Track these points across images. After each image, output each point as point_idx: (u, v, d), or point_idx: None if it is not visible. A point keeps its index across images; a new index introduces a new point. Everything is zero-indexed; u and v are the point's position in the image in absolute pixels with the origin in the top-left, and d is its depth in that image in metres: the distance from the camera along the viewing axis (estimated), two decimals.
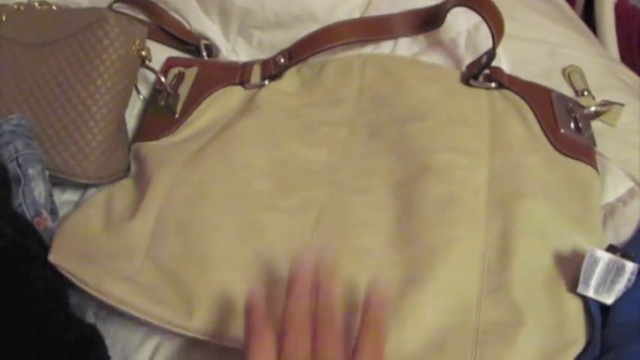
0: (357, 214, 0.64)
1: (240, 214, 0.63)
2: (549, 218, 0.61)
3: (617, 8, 1.03)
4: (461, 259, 0.59)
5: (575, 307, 0.57)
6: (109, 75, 0.71)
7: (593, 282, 0.56)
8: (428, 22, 0.79)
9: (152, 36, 0.81)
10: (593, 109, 0.73)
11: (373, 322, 0.49)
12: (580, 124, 0.70)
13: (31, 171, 0.67)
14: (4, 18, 0.77)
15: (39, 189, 0.66)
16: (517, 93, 0.72)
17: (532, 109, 0.70)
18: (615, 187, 0.68)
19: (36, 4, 0.80)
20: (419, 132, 0.68)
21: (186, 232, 0.62)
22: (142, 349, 0.62)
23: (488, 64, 0.72)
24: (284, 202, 0.65)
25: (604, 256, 0.56)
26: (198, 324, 0.58)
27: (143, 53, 0.74)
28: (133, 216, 0.64)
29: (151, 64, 0.76)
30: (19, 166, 0.67)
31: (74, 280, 0.61)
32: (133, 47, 0.73)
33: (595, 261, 0.56)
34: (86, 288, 0.60)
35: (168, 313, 0.58)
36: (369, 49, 0.80)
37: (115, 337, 0.62)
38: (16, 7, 0.79)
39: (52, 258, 0.61)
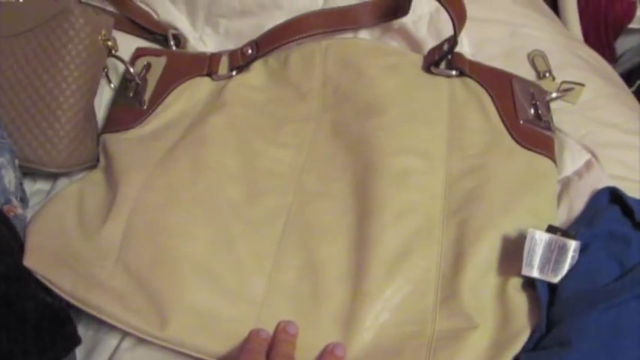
0: (320, 220, 0.66)
1: (210, 223, 0.65)
2: (505, 216, 0.63)
3: None
4: (416, 272, 0.61)
5: (520, 299, 0.59)
6: (75, 65, 0.72)
7: (537, 263, 0.58)
8: (393, 10, 0.80)
9: (120, 27, 0.82)
10: (554, 95, 0.75)
11: None
12: (540, 110, 0.71)
13: (0, 159, 0.68)
14: None
15: (9, 177, 0.67)
16: (478, 81, 0.73)
17: (492, 98, 0.72)
18: (573, 161, 0.70)
19: None
20: (378, 130, 0.69)
21: (156, 238, 0.64)
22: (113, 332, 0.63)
23: (449, 52, 0.73)
24: (252, 212, 0.66)
25: (544, 237, 0.58)
26: (170, 335, 0.60)
27: (109, 43, 0.75)
28: (105, 219, 0.65)
29: (120, 54, 0.77)
30: None
31: (49, 284, 0.62)
32: (99, 37, 0.74)
33: (536, 242, 0.58)
34: (61, 293, 0.62)
35: (142, 322, 0.60)
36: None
37: (88, 318, 0.63)
38: None
39: (27, 262, 0.62)
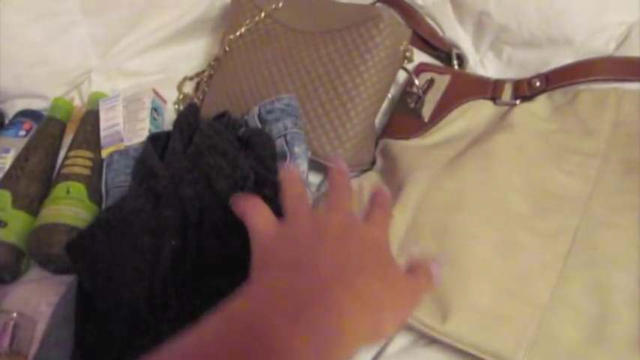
0: (608, 247, 0.64)
1: (497, 229, 0.65)
2: None
3: None
4: None
5: None
6: (375, 70, 0.74)
7: None
8: None
9: None
10: None
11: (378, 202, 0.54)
12: None
13: (296, 149, 0.70)
14: (280, 4, 0.83)
15: (302, 167, 0.70)
16: None
17: None
18: None
19: None
20: None
21: (442, 236, 0.65)
22: None
23: None
24: (539, 225, 0.66)
25: None
26: (450, 329, 0.60)
27: (407, 54, 0.77)
28: None
29: (407, 67, 0.79)
30: (287, 142, 0.71)
31: None
32: (401, 47, 0.76)
33: None
34: None
35: (424, 314, 0.61)
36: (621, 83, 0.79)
37: None
38: None
39: None
